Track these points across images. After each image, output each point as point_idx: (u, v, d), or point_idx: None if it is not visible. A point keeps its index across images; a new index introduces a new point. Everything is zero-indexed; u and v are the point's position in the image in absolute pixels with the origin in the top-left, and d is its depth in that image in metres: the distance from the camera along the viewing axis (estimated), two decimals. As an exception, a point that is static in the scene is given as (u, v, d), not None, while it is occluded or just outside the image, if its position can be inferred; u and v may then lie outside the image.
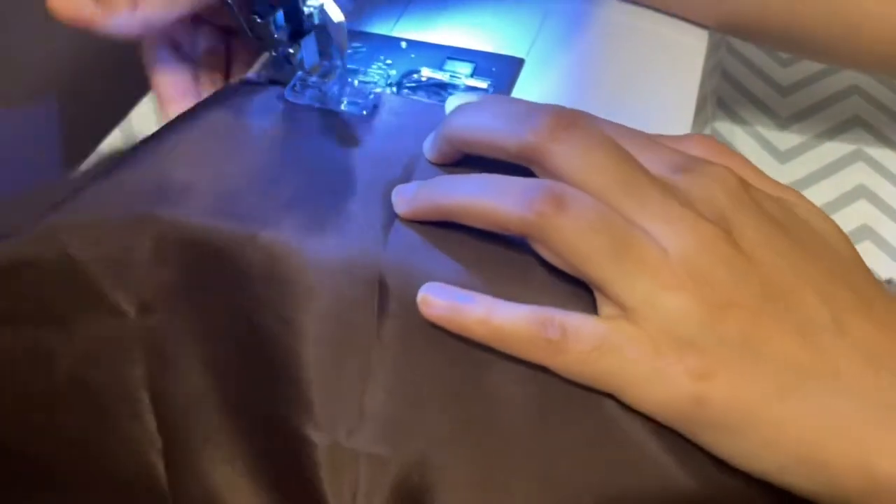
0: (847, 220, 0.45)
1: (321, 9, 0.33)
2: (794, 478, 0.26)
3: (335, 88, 0.38)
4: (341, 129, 0.36)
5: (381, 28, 0.43)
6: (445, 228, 0.31)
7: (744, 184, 0.30)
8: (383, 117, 0.37)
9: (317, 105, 0.37)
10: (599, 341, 0.27)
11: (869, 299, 0.28)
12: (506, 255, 0.30)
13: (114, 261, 0.32)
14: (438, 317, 0.29)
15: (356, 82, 0.39)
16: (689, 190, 0.29)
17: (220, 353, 0.31)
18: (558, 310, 0.28)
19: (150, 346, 0.32)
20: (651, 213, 0.28)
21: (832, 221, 0.31)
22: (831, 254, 0.29)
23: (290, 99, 0.37)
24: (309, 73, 0.37)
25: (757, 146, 0.48)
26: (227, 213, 0.32)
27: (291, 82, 0.38)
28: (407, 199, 0.32)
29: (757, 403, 0.26)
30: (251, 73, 0.40)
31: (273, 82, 0.38)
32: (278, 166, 0.34)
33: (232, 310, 0.31)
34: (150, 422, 0.32)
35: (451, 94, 0.38)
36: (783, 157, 0.48)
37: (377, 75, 0.40)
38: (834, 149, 0.48)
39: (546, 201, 0.28)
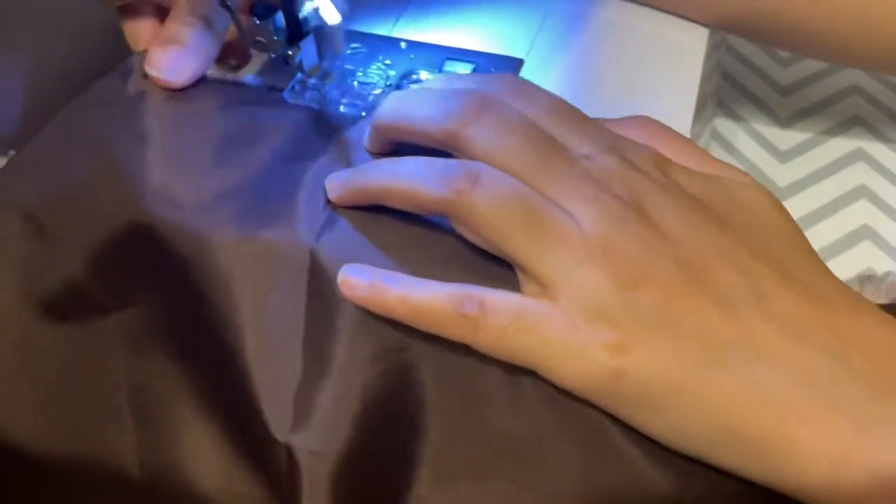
0: (847, 220, 0.45)
1: (317, 11, 0.33)
2: (722, 453, 0.26)
3: (334, 90, 0.38)
4: (320, 126, 0.36)
5: (380, 28, 0.43)
6: (378, 215, 0.31)
7: (664, 164, 0.30)
8: None
9: (315, 107, 0.37)
10: (516, 316, 0.27)
11: (794, 270, 0.28)
12: (436, 239, 0.31)
13: (92, 254, 0.32)
14: (360, 298, 0.29)
15: (355, 84, 0.39)
16: (609, 171, 0.29)
17: (189, 344, 0.32)
18: (479, 287, 0.28)
19: (130, 339, 0.32)
20: (566, 193, 0.28)
21: (766, 195, 0.31)
22: (757, 227, 0.29)
23: (290, 100, 0.37)
24: (308, 75, 0.37)
25: (757, 146, 0.48)
26: (172, 202, 0.32)
27: (290, 84, 0.38)
28: (337, 184, 0.32)
29: (677, 376, 0.26)
30: (249, 75, 0.40)
31: (271, 86, 0.38)
32: (236, 157, 0.34)
33: (189, 301, 0.31)
34: (129, 419, 0.32)
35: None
36: (783, 156, 0.48)
37: (376, 76, 0.40)
38: (834, 149, 0.48)
39: (462, 180, 0.28)
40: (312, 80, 0.38)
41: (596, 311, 0.27)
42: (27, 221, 0.33)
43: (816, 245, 0.43)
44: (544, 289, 0.28)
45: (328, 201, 0.32)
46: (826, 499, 0.26)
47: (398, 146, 0.34)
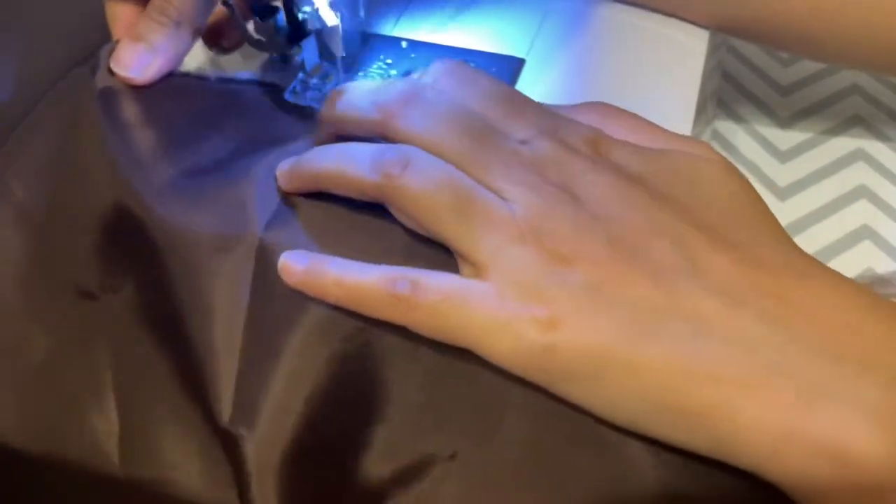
0: (847, 220, 0.45)
1: (316, 13, 0.33)
2: (662, 427, 0.26)
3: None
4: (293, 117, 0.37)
5: (381, 28, 0.43)
6: (328, 203, 0.32)
7: (602, 144, 0.31)
8: None
9: (317, 106, 0.37)
10: (447, 294, 0.27)
11: (738, 238, 0.28)
12: (382, 226, 0.31)
13: (76, 243, 0.33)
14: (298, 283, 0.29)
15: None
16: (542, 154, 0.30)
17: (168, 330, 0.32)
18: (414, 269, 0.28)
19: (115, 326, 0.32)
20: (497, 177, 0.29)
21: (718, 165, 0.30)
22: (702, 199, 0.29)
23: (291, 100, 0.37)
24: (309, 75, 0.37)
25: (757, 146, 0.48)
26: (141, 190, 0.33)
27: (292, 84, 0.38)
28: (284, 171, 0.33)
29: (609, 348, 0.26)
30: (252, 74, 0.40)
31: (273, 84, 0.38)
32: (201, 145, 0.35)
33: (163, 289, 0.32)
34: (111, 409, 0.32)
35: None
36: (783, 156, 0.48)
37: (377, 76, 0.40)
38: (834, 148, 0.48)
39: (392, 164, 0.29)
40: (313, 80, 0.38)
41: (526, 289, 0.27)
42: (10, 212, 0.34)
43: (816, 245, 0.44)
44: (478, 270, 0.28)
45: (279, 190, 0.33)
46: (774, 473, 0.25)
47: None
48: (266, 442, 0.29)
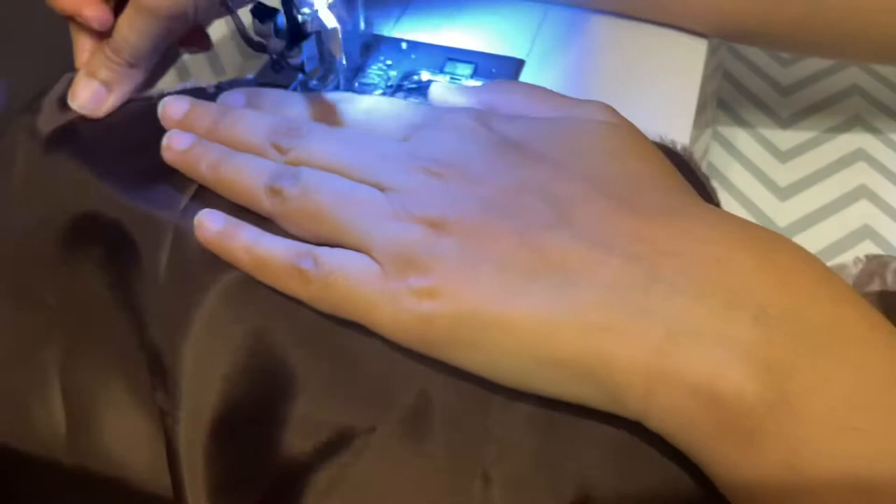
0: (848, 220, 0.45)
1: (315, 15, 0.33)
2: (544, 382, 0.26)
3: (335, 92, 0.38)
4: None
5: (381, 28, 0.43)
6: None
7: (484, 118, 0.32)
8: None
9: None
10: (338, 267, 0.28)
11: (615, 189, 0.28)
12: None
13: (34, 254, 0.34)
14: (210, 241, 0.31)
15: (356, 84, 0.39)
16: (419, 143, 0.31)
17: (110, 323, 0.33)
18: (320, 247, 0.30)
19: (68, 328, 0.33)
20: (375, 173, 0.30)
21: (610, 123, 0.31)
22: (575, 155, 0.30)
23: (290, 101, 0.37)
24: (309, 77, 0.37)
25: (758, 146, 0.48)
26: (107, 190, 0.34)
27: (291, 86, 0.38)
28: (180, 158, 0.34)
29: (482, 311, 0.26)
30: (250, 76, 0.40)
31: (274, 85, 0.38)
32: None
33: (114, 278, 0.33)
34: (58, 410, 0.33)
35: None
36: (784, 156, 0.48)
37: (377, 77, 0.40)
38: (834, 148, 0.48)
39: (279, 177, 0.31)
40: (313, 82, 0.38)
41: (404, 261, 0.28)
42: None
43: (817, 245, 0.43)
44: (367, 254, 0.29)
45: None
46: (653, 420, 0.25)
47: None
48: (191, 419, 0.29)
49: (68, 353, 0.33)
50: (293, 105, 0.35)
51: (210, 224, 0.31)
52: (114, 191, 0.33)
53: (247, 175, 0.32)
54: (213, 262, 0.31)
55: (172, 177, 0.34)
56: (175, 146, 0.34)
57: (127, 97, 0.38)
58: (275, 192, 0.31)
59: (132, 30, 0.36)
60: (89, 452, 0.32)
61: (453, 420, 0.28)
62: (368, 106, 0.34)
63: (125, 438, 0.32)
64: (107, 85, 0.37)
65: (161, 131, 0.35)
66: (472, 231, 0.27)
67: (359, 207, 0.29)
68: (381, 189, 0.30)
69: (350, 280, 0.28)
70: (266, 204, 0.31)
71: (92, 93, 0.37)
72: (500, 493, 0.27)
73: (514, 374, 0.27)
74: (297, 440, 0.29)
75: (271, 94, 0.36)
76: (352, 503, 0.28)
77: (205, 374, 0.29)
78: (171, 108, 0.35)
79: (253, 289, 0.30)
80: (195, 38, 0.42)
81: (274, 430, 0.29)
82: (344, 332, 0.29)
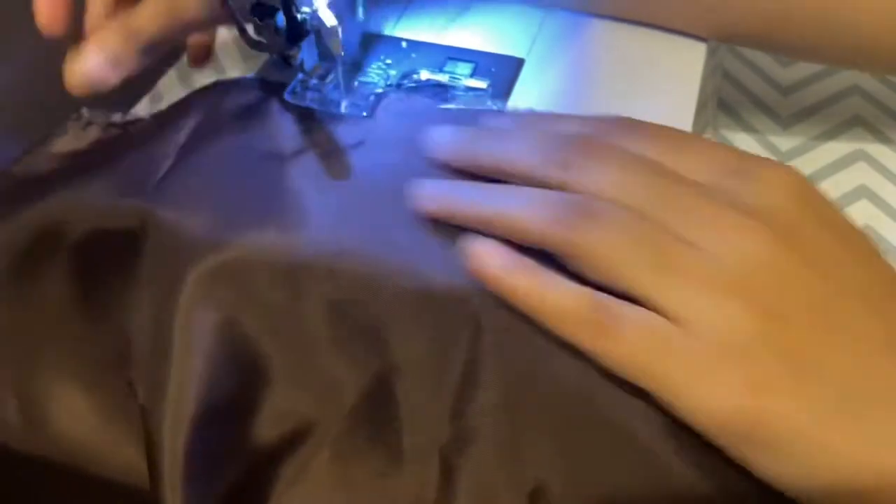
0: (848, 220, 0.45)
1: (314, 14, 0.33)
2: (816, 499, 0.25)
3: (335, 90, 0.38)
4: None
5: (381, 28, 0.43)
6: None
7: (807, 190, 0.28)
8: (380, 117, 0.37)
9: (316, 107, 0.37)
10: (650, 333, 0.26)
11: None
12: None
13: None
14: (486, 275, 0.28)
15: (356, 83, 0.39)
16: (743, 195, 0.28)
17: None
18: (604, 294, 0.27)
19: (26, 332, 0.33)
20: (696, 223, 0.27)
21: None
22: (878, 263, 0.28)
23: (291, 101, 0.37)
24: (309, 75, 0.37)
25: (758, 146, 0.48)
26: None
27: (291, 85, 0.38)
28: (431, 196, 0.31)
29: (810, 422, 0.25)
30: (250, 76, 0.40)
31: (273, 84, 0.38)
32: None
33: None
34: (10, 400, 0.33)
35: (450, 94, 0.38)
36: (784, 157, 0.48)
37: (377, 76, 0.40)
38: (835, 149, 0.48)
39: (577, 214, 0.27)
40: (313, 81, 0.38)
41: (732, 347, 0.25)
42: None
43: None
44: (677, 321, 0.26)
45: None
46: None
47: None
48: (175, 410, 0.29)
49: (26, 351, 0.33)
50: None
51: (490, 259, 0.28)
52: (77, 196, 0.33)
53: (528, 207, 0.28)
54: (190, 248, 0.30)
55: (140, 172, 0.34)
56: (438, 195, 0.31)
57: (125, 76, 0.38)
58: (572, 227, 0.27)
59: (154, 24, 0.37)
60: (45, 441, 0.32)
61: (415, 408, 0.28)
62: (660, 135, 0.31)
63: (79, 423, 0.31)
64: (115, 63, 0.37)
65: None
66: (810, 332, 0.25)
67: (686, 274, 0.26)
68: (697, 245, 0.27)
69: (669, 356, 0.26)
70: (554, 238, 0.28)
71: (100, 65, 0.37)
72: (463, 483, 0.27)
73: (812, 493, 0.25)
74: (265, 429, 0.29)
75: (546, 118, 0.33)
76: (316, 495, 0.29)
77: (188, 365, 0.29)
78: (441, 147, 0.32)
79: (227, 275, 0.30)
80: (201, 54, 0.43)
81: (247, 417, 0.29)
82: (308, 319, 0.29)
